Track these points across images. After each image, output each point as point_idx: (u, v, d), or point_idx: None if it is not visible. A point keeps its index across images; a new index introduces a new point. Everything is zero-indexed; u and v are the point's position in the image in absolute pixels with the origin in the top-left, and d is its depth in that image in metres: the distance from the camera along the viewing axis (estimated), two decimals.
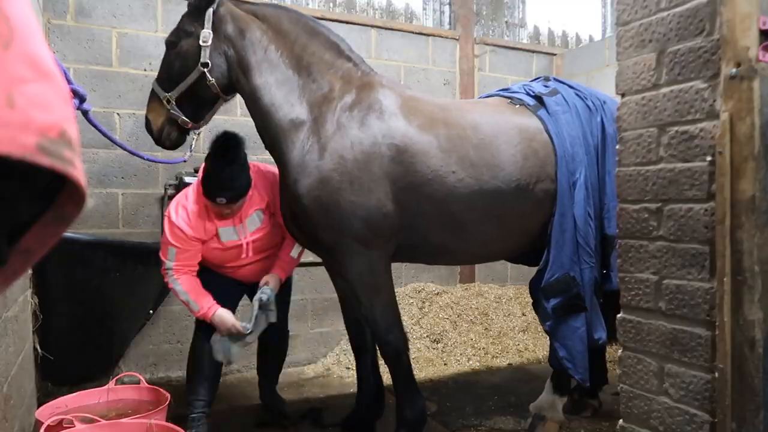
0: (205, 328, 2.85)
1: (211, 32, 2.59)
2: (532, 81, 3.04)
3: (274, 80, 2.59)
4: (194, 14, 2.65)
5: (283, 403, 3.22)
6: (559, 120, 2.69)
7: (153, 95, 2.74)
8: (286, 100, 2.58)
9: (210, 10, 2.61)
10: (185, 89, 2.64)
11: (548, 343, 4.43)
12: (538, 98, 2.79)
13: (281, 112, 2.57)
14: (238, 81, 2.66)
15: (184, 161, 3.03)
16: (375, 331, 2.58)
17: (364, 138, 2.46)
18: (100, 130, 2.57)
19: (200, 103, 2.72)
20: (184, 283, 2.77)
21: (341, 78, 2.61)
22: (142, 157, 3.02)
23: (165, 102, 2.68)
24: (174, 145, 2.80)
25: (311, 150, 2.47)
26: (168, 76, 2.69)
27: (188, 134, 2.81)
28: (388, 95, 2.59)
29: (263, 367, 3.22)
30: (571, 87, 2.86)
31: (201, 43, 2.60)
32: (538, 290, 2.68)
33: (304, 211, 2.47)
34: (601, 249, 2.67)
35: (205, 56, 2.59)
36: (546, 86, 2.89)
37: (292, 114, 2.56)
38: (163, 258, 2.78)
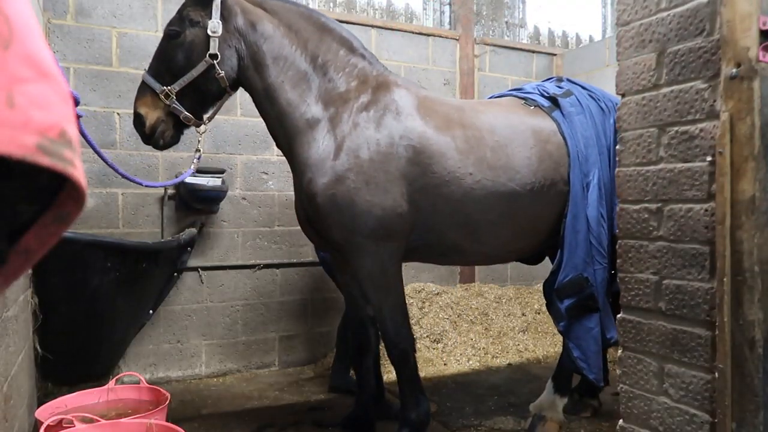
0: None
1: (220, 22, 2.49)
2: (544, 81, 3.04)
3: (289, 78, 2.55)
4: (200, 3, 2.53)
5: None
6: (573, 121, 2.69)
7: (145, 88, 2.55)
8: (302, 99, 2.55)
9: (218, 0, 2.51)
10: (189, 82, 2.50)
11: (548, 343, 4.45)
12: (553, 99, 2.80)
13: (298, 112, 2.54)
14: (248, 77, 2.60)
15: (166, 187, 2.90)
16: (383, 330, 2.58)
17: (380, 138, 2.46)
18: (88, 141, 2.25)
19: (205, 98, 2.60)
20: None
21: (357, 77, 2.60)
22: (125, 176, 2.59)
23: (162, 96, 2.51)
24: (166, 145, 2.62)
25: (327, 149, 2.47)
26: (167, 68, 2.54)
27: (182, 134, 2.67)
28: (404, 95, 2.60)
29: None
30: (584, 88, 2.87)
31: (210, 33, 2.48)
32: (551, 291, 2.68)
33: (318, 209, 2.47)
34: (610, 250, 2.67)
35: (214, 47, 2.48)
36: (560, 87, 2.89)
37: (308, 114, 2.54)
38: None
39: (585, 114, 2.72)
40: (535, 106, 2.81)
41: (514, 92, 3.03)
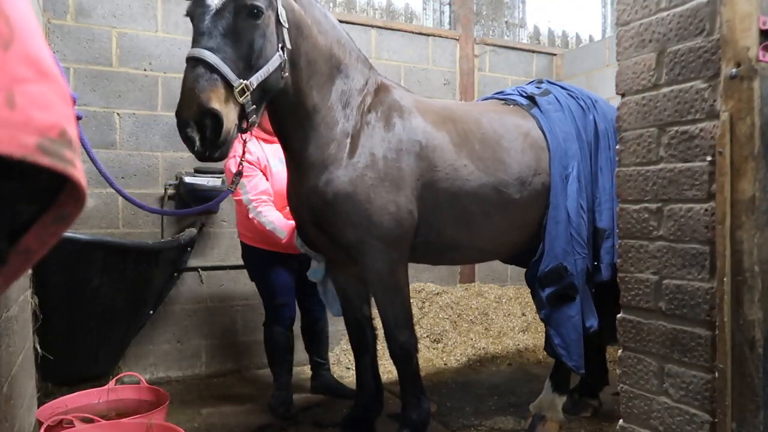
0: (277, 317, 3.27)
1: (286, 16, 2.18)
2: (527, 84, 3.16)
3: (316, 83, 2.41)
4: None
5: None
6: (551, 117, 2.80)
7: (214, 76, 1.93)
8: (324, 103, 2.44)
9: None
10: (264, 78, 2.07)
11: None
12: (531, 98, 2.92)
13: (319, 115, 2.43)
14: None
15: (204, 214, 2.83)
16: (387, 331, 2.57)
17: (391, 137, 2.50)
18: (84, 146, 2.16)
19: (263, 101, 2.19)
20: (267, 213, 2.95)
21: (363, 79, 2.60)
22: (127, 197, 2.57)
23: (238, 92, 1.98)
24: (223, 156, 2.03)
25: (342, 149, 2.45)
26: (243, 55, 2.02)
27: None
28: (404, 95, 2.68)
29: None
30: (563, 88, 2.99)
31: (282, 23, 2.13)
32: (533, 280, 2.76)
33: (335, 209, 2.42)
34: (593, 241, 2.76)
35: (286, 38, 2.14)
36: (539, 87, 3.01)
37: (329, 117, 2.46)
38: (239, 196, 2.95)
39: (564, 111, 2.81)
40: (514, 105, 2.93)
41: (496, 95, 3.15)
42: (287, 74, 2.21)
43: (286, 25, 2.17)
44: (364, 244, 2.46)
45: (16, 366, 2.38)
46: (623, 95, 1.86)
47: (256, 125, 2.23)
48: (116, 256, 3.21)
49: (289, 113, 2.42)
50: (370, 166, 2.43)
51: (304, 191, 2.53)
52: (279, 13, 2.14)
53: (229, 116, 1.96)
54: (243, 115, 2.05)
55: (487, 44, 5.02)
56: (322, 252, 2.78)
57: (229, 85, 1.96)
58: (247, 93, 2.01)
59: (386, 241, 2.45)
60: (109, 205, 3.70)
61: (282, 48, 2.15)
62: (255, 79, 2.03)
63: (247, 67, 2.03)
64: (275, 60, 2.11)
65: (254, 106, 2.06)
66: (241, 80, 1.98)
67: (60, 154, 0.42)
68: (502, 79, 5.10)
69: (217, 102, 1.92)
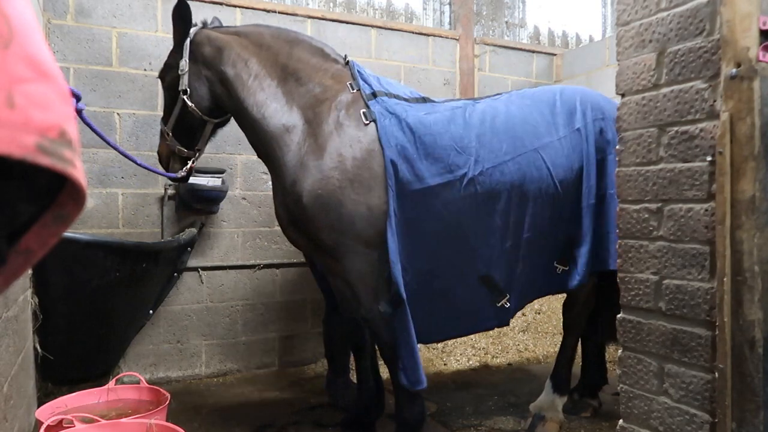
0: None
1: (188, 60, 2.72)
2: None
3: (260, 91, 2.62)
4: (177, 48, 2.80)
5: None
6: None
7: (160, 131, 2.93)
8: (274, 107, 2.60)
9: (187, 41, 2.73)
10: (175, 120, 2.80)
11: (548, 343, 4.45)
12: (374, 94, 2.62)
13: (270, 119, 2.59)
14: (222, 99, 2.74)
15: (177, 177, 2.89)
16: (375, 332, 2.57)
17: (362, 136, 2.47)
18: (94, 130, 2.40)
19: (190, 130, 2.82)
20: None
21: (332, 78, 2.63)
22: (134, 161, 2.68)
23: (165, 135, 2.85)
24: (183, 178, 2.92)
25: (309, 150, 2.47)
26: (165, 111, 2.88)
27: (187, 164, 2.89)
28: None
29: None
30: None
31: (179, 72, 2.74)
32: None
33: (305, 211, 2.46)
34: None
35: (183, 83, 2.73)
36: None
37: (282, 119, 2.58)
38: None
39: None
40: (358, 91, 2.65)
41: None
42: (192, 105, 2.72)
43: (184, 71, 2.73)
44: (342, 246, 2.45)
45: (16, 366, 2.38)
46: (623, 95, 1.86)
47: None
48: (116, 256, 3.21)
49: (245, 124, 2.72)
50: (338, 167, 2.42)
51: (279, 193, 2.62)
52: (179, 66, 2.74)
53: (162, 153, 2.96)
54: (171, 149, 2.89)
55: (487, 44, 5.02)
56: (306, 253, 2.82)
57: (162, 133, 2.91)
58: (168, 133, 2.85)
59: (363, 242, 2.43)
60: (109, 205, 3.69)
61: (182, 91, 2.75)
62: (170, 123, 2.83)
63: (167, 118, 2.86)
64: (180, 103, 2.76)
65: (174, 141, 2.84)
66: (164, 127, 2.88)
67: (60, 154, 0.42)
68: (502, 79, 5.10)
69: (159, 147, 3.02)
